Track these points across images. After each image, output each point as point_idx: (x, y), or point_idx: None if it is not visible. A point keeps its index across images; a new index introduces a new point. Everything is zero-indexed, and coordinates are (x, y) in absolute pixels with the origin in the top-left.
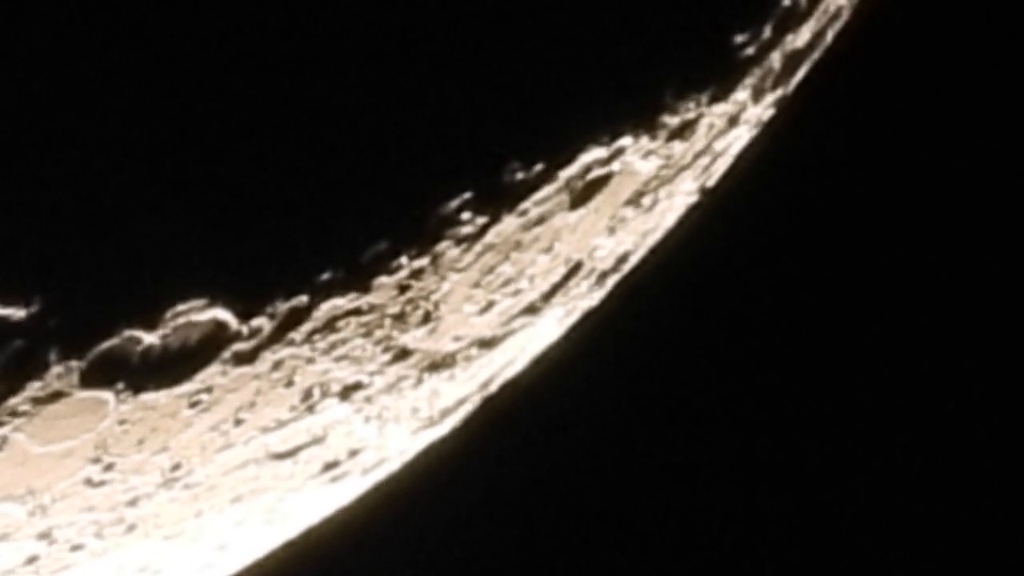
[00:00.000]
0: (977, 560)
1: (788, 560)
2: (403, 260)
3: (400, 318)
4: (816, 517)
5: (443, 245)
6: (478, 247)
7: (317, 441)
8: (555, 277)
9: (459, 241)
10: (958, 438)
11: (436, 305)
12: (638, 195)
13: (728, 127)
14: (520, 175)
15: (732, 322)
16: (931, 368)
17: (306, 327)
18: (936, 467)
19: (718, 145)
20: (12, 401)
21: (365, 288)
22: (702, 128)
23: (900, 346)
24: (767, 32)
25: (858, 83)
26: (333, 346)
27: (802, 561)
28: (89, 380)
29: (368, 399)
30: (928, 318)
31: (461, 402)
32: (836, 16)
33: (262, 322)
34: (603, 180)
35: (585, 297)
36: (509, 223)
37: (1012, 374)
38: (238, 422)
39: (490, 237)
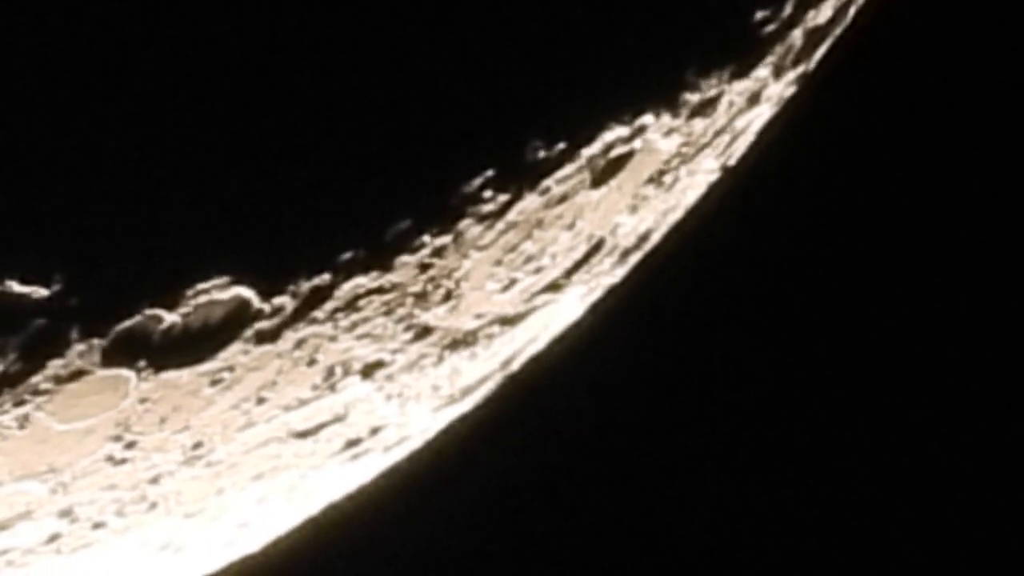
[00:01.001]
0: (977, 560)
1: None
2: (425, 238)
3: (422, 296)
4: (839, 504)
5: (465, 223)
6: (500, 225)
7: (339, 419)
8: (577, 255)
9: (481, 219)
10: (968, 438)
11: (458, 283)
12: (660, 173)
13: (749, 105)
14: (542, 153)
15: (754, 300)
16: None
17: (328, 306)
18: (939, 468)
19: (739, 123)
20: (34, 379)
21: (387, 266)
22: (723, 106)
23: (932, 318)
24: (788, 9)
25: (880, 59)
26: (355, 324)
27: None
28: (111, 358)
29: (390, 377)
30: (960, 294)
31: (483, 380)
32: None
33: (284, 300)
34: (625, 158)
35: (607, 274)
36: (531, 201)
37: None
38: (260, 400)
39: (512, 215)
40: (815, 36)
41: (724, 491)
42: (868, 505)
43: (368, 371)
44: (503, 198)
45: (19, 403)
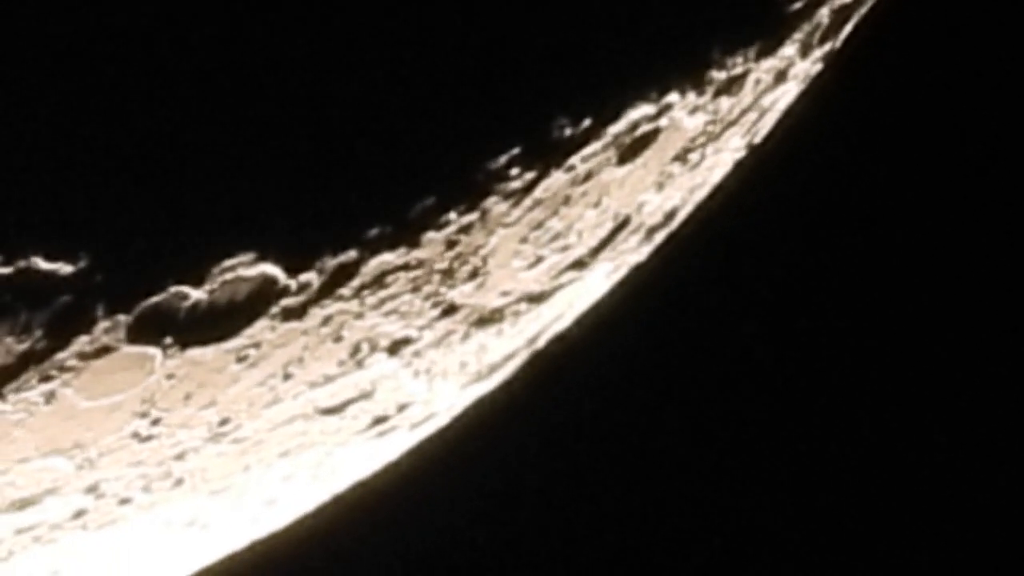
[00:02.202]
0: (977, 560)
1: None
2: (451, 215)
3: (448, 273)
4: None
5: (491, 200)
6: (526, 202)
7: (365, 396)
8: (603, 232)
9: (507, 196)
10: (983, 439)
11: (484, 260)
12: (685, 151)
13: (776, 83)
14: (568, 131)
15: (780, 278)
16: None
17: (355, 282)
18: (941, 468)
19: (765, 101)
20: (60, 356)
21: (414, 243)
22: (749, 84)
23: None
24: None
25: (906, 37)
26: (382, 301)
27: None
28: (136, 335)
29: (416, 354)
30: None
31: (509, 357)
32: None
33: (311, 277)
34: (651, 136)
35: (633, 252)
36: (557, 178)
37: None
38: (286, 377)
39: (538, 192)
40: (842, 14)
41: (755, 464)
42: (884, 503)
43: (395, 348)
44: (529, 175)
45: (45, 379)
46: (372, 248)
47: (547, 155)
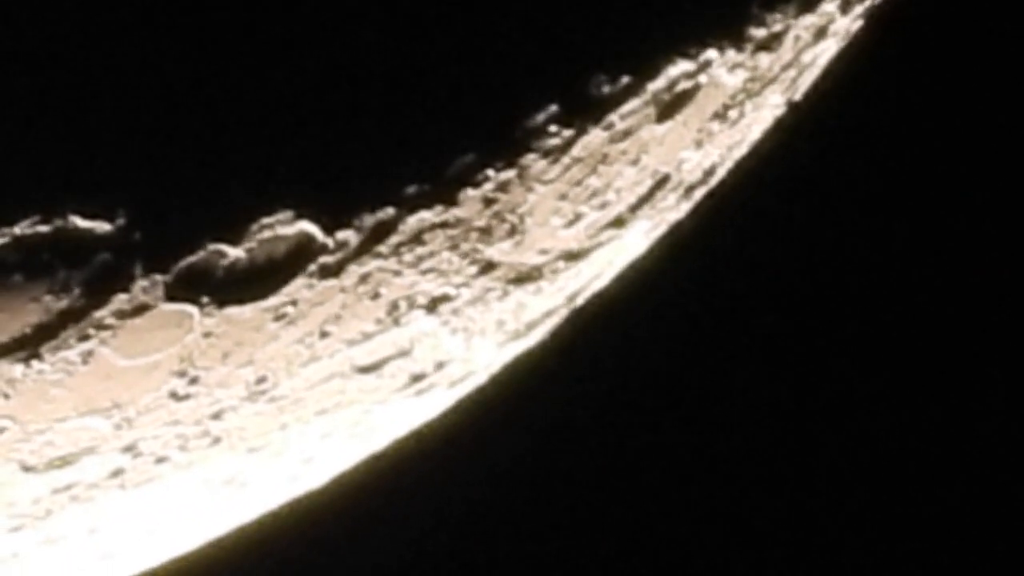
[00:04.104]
0: (977, 560)
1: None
2: (490, 173)
3: (486, 231)
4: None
5: (530, 158)
6: (565, 160)
7: (403, 354)
8: (642, 190)
9: (546, 154)
10: (983, 439)
11: (522, 218)
12: (725, 108)
13: (815, 39)
14: (607, 88)
15: (821, 234)
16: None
17: (393, 240)
18: (942, 468)
19: (805, 57)
20: (98, 314)
21: (452, 201)
22: (789, 40)
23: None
24: None
25: None
26: (419, 259)
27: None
28: (174, 294)
29: (454, 312)
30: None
31: (547, 315)
32: None
33: (348, 235)
34: (690, 93)
35: (672, 210)
36: (596, 136)
37: None
38: (324, 335)
39: (577, 150)
40: None
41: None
42: (885, 502)
43: (433, 305)
44: (568, 133)
45: (83, 338)
46: (410, 206)
47: (586, 113)
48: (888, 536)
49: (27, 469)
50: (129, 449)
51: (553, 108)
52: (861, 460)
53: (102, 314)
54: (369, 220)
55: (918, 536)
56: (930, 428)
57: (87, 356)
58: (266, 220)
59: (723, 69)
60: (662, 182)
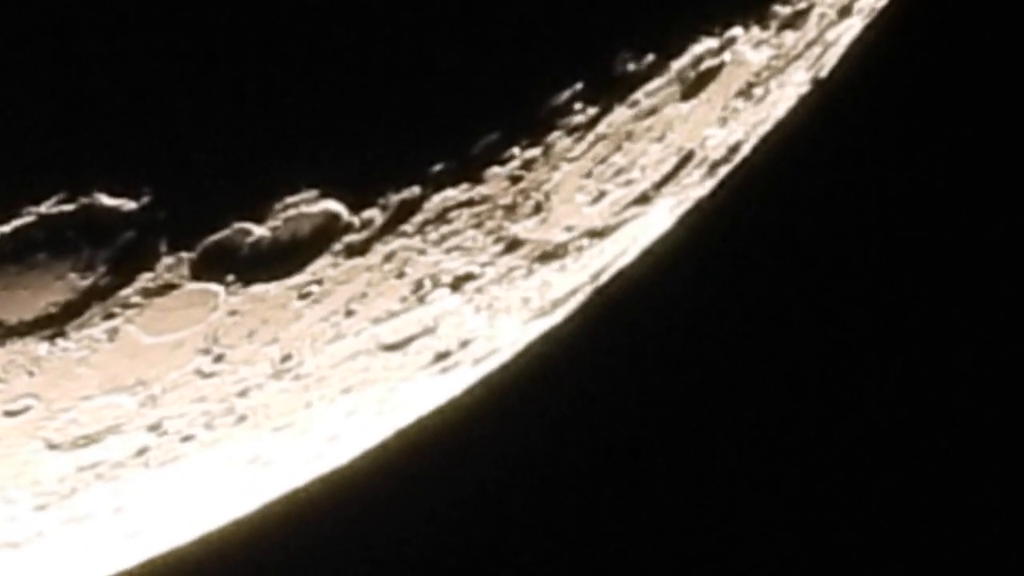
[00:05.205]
0: (977, 560)
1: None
2: (515, 151)
3: (511, 209)
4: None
5: (555, 135)
6: (590, 137)
7: (428, 332)
8: (667, 167)
9: (570, 131)
10: (970, 440)
11: (547, 195)
12: (749, 85)
13: (840, 16)
14: (631, 66)
15: (842, 214)
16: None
17: (418, 218)
18: (942, 468)
19: (830, 35)
20: (123, 292)
21: (477, 179)
22: (814, 17)
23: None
24: None
25: None
26: (444, 237)
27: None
28: (199, 272)
29: (479, 290)
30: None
31: (572, 292)
32: None
33: (374, 214)
34: (714, 71)
35: (697, 187)
36: (620, 113)
37: None
38: (349, 313)
39: (601, 127)
40: None
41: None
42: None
43: (457, 283)
44: (592, 110)
45: (108, 316)
46: (435, 184)
47: (610, 90)
48: (888, 536)
49: (52, 447)
50: (154, 427)
51: (578, 86)
52: (894, 443)
53: (127, 292)
54: (394, 198)
55: (918, 536)
56: (953, 426)
57: (112, 334)
58: (291, 199)
59: (748, 47)
60: (687, 159)
